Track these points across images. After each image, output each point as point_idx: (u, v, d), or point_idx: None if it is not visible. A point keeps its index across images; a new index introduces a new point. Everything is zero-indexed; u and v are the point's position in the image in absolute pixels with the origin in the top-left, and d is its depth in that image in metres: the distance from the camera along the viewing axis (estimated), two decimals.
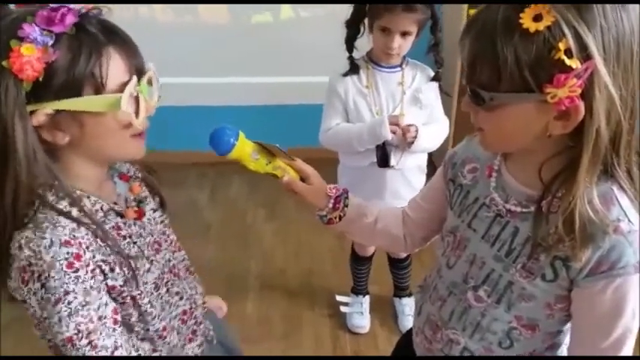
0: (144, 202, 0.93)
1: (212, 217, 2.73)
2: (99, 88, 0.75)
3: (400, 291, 2.05)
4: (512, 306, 0.80)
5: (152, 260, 0.90)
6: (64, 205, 0.77)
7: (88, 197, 0.82)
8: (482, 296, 0.83)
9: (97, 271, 0.77)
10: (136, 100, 0.79)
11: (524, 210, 0.77)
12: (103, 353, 0.78)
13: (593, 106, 0.65)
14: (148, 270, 0.88)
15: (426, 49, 1.61)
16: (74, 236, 0.75)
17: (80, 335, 0.76)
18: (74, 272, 0.74)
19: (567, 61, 0.63)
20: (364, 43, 1.62)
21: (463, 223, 0.86)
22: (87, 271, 0.76)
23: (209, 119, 3.42)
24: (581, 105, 0.65)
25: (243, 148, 0.94)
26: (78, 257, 0.75)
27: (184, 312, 0.97)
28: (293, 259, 2.37)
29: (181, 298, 0.97)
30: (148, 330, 0.88)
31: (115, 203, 0.87)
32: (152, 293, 0.88)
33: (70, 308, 0.74)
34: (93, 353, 0.77)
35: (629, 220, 0.71)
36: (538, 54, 0.64)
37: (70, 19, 0.73)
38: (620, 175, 0.72)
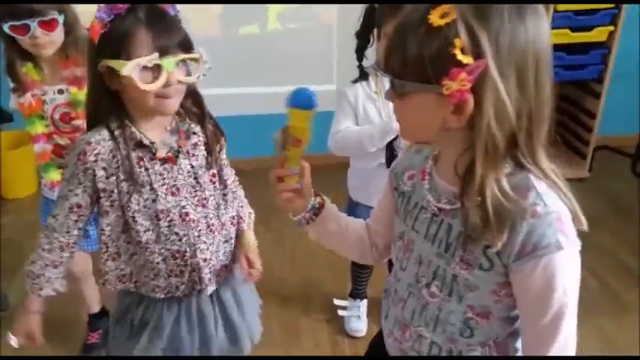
0: (181, 154, 1.13)
1: None
2: (128, 56, 1.00)
3: None
4: (463, 297, 0.85)
5: (159, 196, 1.10)
6: (113, 124, 1.08)
7: (131, 129, 1.08)
8: (435, 292, 0.88)
9: (89, 171, 1.07)
10: (155, 70, 1.02)
11: (452, 207, 0.83)
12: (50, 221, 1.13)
13: (482, 102, 0.71)
14: (153, 200, 1.10)
15: None
16: (98, 142, 1.07)
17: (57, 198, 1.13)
18: (77, 159, 1.08)
19: (460, 57, 0.68)
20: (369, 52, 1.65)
21: (407, 226, 0.92)
22: (81, 164, 1.08)
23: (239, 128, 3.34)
24: (471, 99, 0.71)
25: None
26: (84, 154, 1.07)
27: (178, 251, 1.14)
28: (289, 266, 2.38)
29: (180, 240, 1.14)
30: (137, 241, 1.12)
31: (153, 143, 1.10)
32: (152, 219, 1.11)
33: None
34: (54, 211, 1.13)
35: (544, 204, 0.75)
36: (439, 48, 0.70)
37: (124, 6, 1.01)
38: (530, 168, 0.77)
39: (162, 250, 1.14)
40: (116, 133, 1.08)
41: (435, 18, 0.70)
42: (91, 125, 1.11)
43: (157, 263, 1.14)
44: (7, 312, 2.19)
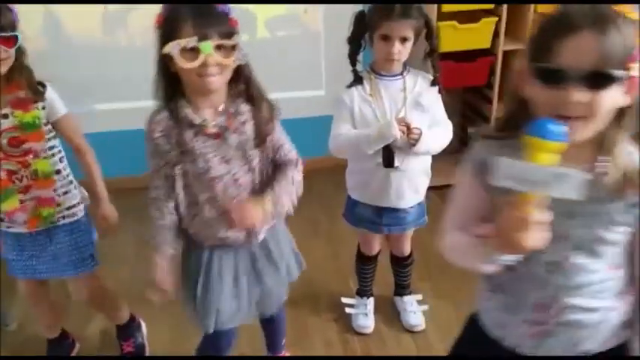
0: (229, 131, 1.31)
1: None
2: (172, 39, 1.19)
3: (401, 289, 2.12)
4: (604, 255, 0.95)
5: (211, 165, 1.32)
6: (172, 106, 1.28)
7: (185, 110, 1.28)
8: (579, 259, 0.96)
9: (160, 145, 1.31)
10: (194, 51, 1.18)
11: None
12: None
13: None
14: (207, 169, 1.32)
15: (423, 55, 1.72)
16: (159, 121, 1.30)
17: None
18: (148, 138, 1.32)
19: None
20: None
21: None
22: (152, 141, 1.32)
23: None
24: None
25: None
26: (152, 132, 1.31)
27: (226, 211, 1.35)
28: None
29: (233, 199, 1.35)
30: (196, 201, 1.36)
31: (204, 121, 1.29)
32: (208, 184, 1.33)
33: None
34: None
35: None
36: (632, 38, 0.83)
37: None
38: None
39: (220, 209, 1.35)
40: (173, 113, 1.28)
41: (630, 12, 0.84)
42: (160, 102, 1.31)
43: (215, 220, 1.37)
44: (10, 327, 2.17)
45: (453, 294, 2.18)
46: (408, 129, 1.63)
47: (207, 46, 1.18)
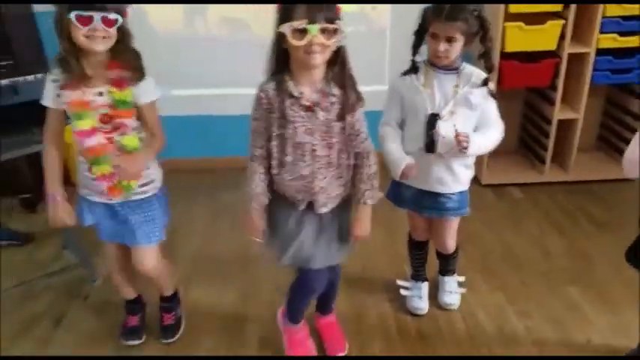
0: (319, 107, 1.53)
1: None
2: (288, 20, 1.41)
3: (444, 270, 2.20)
4: None
5: (298, 132, 1.54)
6: (279, 77, 1.52)
7: (288, 83, 1.51)
8: None
9: (266, 109, 1.55)
10: (304, 32, 1.40)
11: None
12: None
13: None
14: (294, 135, 1.55)
15: (477, 55, 1.78)
16: (267, 90, 1.53)
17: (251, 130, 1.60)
18: (258, 103, 1.56)
19: None
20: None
21: None
22: (260, 106, 1.56)
23: None
24: None
25: None
26: (261, 98, 1.55)
27: (302, 175, 1.60)
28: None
29: (307, 167, 1.58)
30: (283, 161, 1.59)
31: (301, 94, 1.52)
32: (292, 148, 1.57)
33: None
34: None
35: None
36: None
37: None
38: None
39: (294, 172, 1.60)
40: (278, 84, 1.53)
41: None
42: (269, 73, 1.55)
43: (290, 180, 1.62)
44: (97, 282, 2.42)
45: (504, 285, 2.30)
46: (457, 137, 1.72)
47: (314, 28, 1.40)
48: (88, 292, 2.36)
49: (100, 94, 1.63)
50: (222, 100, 3.29)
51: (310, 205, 1.66)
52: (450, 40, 1.69)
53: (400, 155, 1.81)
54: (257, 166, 1.64)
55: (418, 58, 1.83)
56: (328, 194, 1.64)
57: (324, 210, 1.66)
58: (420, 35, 1.79)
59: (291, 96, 1.52)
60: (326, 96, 1.54)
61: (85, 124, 1.64)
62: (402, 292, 2.22)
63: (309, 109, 1.54)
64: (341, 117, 1.56)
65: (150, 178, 1.80)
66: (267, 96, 1.54)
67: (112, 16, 1.54)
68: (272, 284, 2.30)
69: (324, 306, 2.04)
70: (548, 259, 2.52)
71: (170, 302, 2.12)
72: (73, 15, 1.50)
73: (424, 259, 2.21)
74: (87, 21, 1.51)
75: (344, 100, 1.55)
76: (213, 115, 3.34)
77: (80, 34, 1.53)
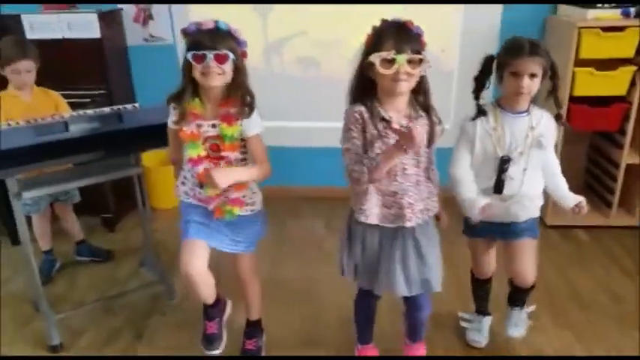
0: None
1: (332, 245, 3.04)
2: (377, 51, 1.56)
3: (516, 303, 2.15)
4: None
5: (381, 148, 1.62)
6: (367, 102, 1.64)
7: (378, 107, 1.63)
8: None
9: (358, 127, 1.63)
10: (392, 62, 1.54)
11: None
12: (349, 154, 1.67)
13: None
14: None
15: (547, 92, 1.83)
16: (359, 111, 1.63)
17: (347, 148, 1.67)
18: (352, 121, 1.65)
19: None
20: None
21: None
22: (354, 123, 1.64)
23: (328, 159, 3.85)
24: None
25: None
26: (354, 115, 1.64)
27: (393, 192, 1.69)
28: None
29: (396, 184, 1.68)
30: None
31: (390, 117, 1.62)
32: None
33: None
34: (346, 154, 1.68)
35: None
36: None
37: (385, 23, 1.62)
38: None
39: (384, 188, 1.70)
40: (368, 107, 1.64)
41: None
42: (353, 100, 1.68)
43: (379, 197, 1.71)
44: (175, 300, 2.55)
45: (571, 323, 2.29)
46: (577, 206, 1.87)
47: (402, 58, 1.54)
48: (166, 309, 2.49)
49: (213, 125, 1.78)
50: (291, 132, 3.45)
51: (396, 229, 1.73)
52: (532, 76, 1.76)
53: (476, 196, 1.85)
54: (358, 163, 1.67)
55: (481, 102, 1.89)
56: (414, 209, 1.73)
57: (408, 224, 1.73)
58: (483, 81, 1.87)
59: (382, 118, 1.63)
60: (412, 120, 1.66)
61: (194, 153, 1.80)
62: (463, 323, 2.25)
63: (399, 131, 1.64)
64: (429, 141, 1.68)
65: (251, 200, 1.93)
66: (361, 117, 1.64)
67: (224, 52, 1.67)
68: (338, 309, 2.37)
69: (414, 333, 2.06)
70: (616, 302, 2.49)
71: (254, 328, 2.20)
72: (189, 54, 1.68)
73: (487, 294, 2.24)
74: (201, 59, 1.67)
75: (430, 125, 1.67)
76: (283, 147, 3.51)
77: (197, 71, 1.69)
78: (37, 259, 2.81)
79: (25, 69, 2.37)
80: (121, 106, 2.30)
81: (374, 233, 1.77)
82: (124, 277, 2.77)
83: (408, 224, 1.72)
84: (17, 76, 2.37)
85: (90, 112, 2.25)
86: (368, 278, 1.83)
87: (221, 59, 1.68)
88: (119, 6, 3.24)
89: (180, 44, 3.23)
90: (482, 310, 2.25)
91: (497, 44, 3.23)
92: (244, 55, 1.77)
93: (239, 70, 1.75)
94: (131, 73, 3.41)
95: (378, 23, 1.62)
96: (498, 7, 3.16)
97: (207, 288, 1.97)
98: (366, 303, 2.00)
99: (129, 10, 3.26)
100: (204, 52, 1.66)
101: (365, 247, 1.79)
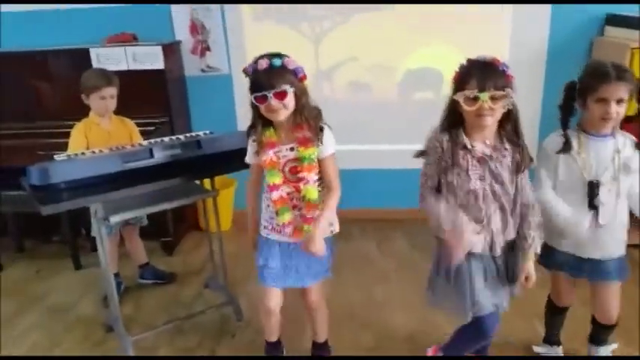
0: (491, 160, 1.71)
1: (386, 265, 3.10)
2: (461, 90, 1.65)
3: (599, 340, 2.12)
4: None
5: (471, 179, 1.70)
6: (453, 132, 1.70)
7: (462, 137, 1.69)
8: None
9: (438, 155, 1.71)
10: (476, 99, 1.60)
11: None
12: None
13: None
14: (467, 182, 1.71)
15: (636, 114, 1.86)
16: (442, 140, 1.70)
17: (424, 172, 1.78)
18: (433, 149, 1.72)
19: None
20: None
21: None
22: (434, 151, 1.71)
23: (378, 181, 3.91)
24: None
25: None
26: (435, 144, 1.71)
27: (478, 218, 1.74)
28: None
29: (480, 211, 1.73)
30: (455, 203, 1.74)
31: (473, 147, 1.69)
32: (465, 194, 1.72)
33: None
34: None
35: None
36: None
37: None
38: None
39: (469, 215, 1.73)
40: (453, 136, 1.71)
41: None
42: (442, 129, 1.74)
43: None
44: (242, 321, 2.61)
45: None
46: None
47: (484, 96, 1.60)
48: (235, 330, 2.54)
49: (291, 149, 1.86)
50: (340, 155, 3.52)
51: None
52: (619, 101, 1.75)
53: (577, 217, 1.85)
54: (437, 197, 1.75)
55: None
56: (501, 237, 1.77)
57: (498, 252, 1.78)
58: (569, 107, 1.88)
59: (465, 147, 1.70)
60: (498, 150, 1.72)
61: (273, 179, 1.87)
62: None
63: (481, 160, 1.71)
64: (515, 172, 1.73)
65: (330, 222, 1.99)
66: (441, 145, 1.71)
67: (282, 89, 1.74)
68: (404, 328, 2.40)
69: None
70: None
71: (322, 349, 2.26)
72: (252, 97, 1.77)
73: (562, 323, 2.21)
74: (263, 100, 1.76)
75: (515, 155, 1.72)
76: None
77: (262, 110, 1.78)
78: (96, 283, 2.92)
79: (110, 94, 2.51)
80: (200, 133, 2.41)
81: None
82: (189, 298, 2.84)
83: (498, 253, 1.78)
84: (102, 102, 2.50)
85: (166, 139, 2.36)
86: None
87: (281, 96, 1.75)
88: (178, 38, 3.39)
89: (237, 75, 3.42)
90: (555, 340, 2.23)
91: (544, 67, 3.31)
92: (304, 78, 1.82)
93: (300, 96, 1.81)
94: (188, 103, 3.54)
95: (464, 61, 1.68)
96: (545, 30, 3.23)
97: (277, 325, 2.17)
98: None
99: (187, 42, 3.41)
100: (264, 92, 1.74)
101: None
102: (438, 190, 1.78)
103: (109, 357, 2.33)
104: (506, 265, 1.84)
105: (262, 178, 1.95)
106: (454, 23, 3.20)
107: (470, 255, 1.75)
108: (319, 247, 1.83)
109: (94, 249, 3.30)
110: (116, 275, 2.87)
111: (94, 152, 2.20)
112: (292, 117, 1.83)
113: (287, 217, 1.90)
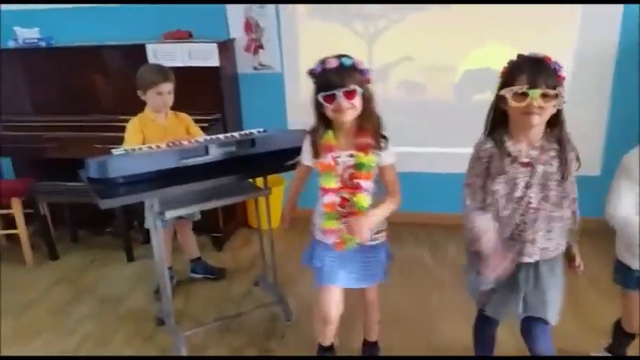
0: (538, 163, 1.61)
1: (439, 273, 3.01)
2: (510, 86, 1.55)
3: None
4: None
5: (517, 186, 1.62)
6: (497, 137, 1.62)
7: (506, 143, 1.61)
8: None
9: (483, 163, 1.64)
10: (524, 96, 1.50)
11: None
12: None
13: None
14: (512, 189, 1.62)
15: None
16: (486, 148, 1.63)
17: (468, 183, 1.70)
18: (477, 156, 1.66)
19: None
20: None
21: None
22: (478, 158, 1.65)
23: (430, 184, 3.81)
24: None
25: None
26: (479, 152, 1.65)
27: (518, 224, 1.65)
28: None
29: (522, 217, 1.65)
30: (498, 216, 1.65)
31: (519, 151, 1.60)
32: (510, 201, 1.64)
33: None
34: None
35: None
36: None
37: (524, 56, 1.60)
38: None
39: (510, 222, 1.66)
40: (497, 143, 1.63)
41: None
42: (487, 130, 1.67)
43: (504, 230, 1.66)
44: (291, 321, 2.59)
45: None
46: None
47: (535, 93, 1.51)
48: (284, 330, 2.53)
49: (351, 155, 1.82)
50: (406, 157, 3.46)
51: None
52: None
53: None
54: (480, 212, 1.68)
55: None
56: (538, 246, 1.68)
57: (527, 259, 1.68)
58: None
59: (510, 154, 1.62)
60: (545, 151, 1.62)
61: (327, 183, 1.84)
62: None
63: (528, 165, 1.62)
64: (561, 176, 1.63)
65: (382, 228, 1.96)
66: (486, 155, 1.64)
67: (352, 88, 1.71)
68: (458, 335, 2.32)
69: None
70: None
71: (373, 347, 2.24)
72: (320, 96, 1.74)
73: (628, 345, 2.11)
74: (331, 98, 1.72)
75: (562, 157, 1.62)
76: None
77: (329, 109, 1.75)
78: (147, 276, 2.97)
79: (167, 90, 2.52)
80: (254, 130, 2.40)
81: None
82: (238, 295, 2.85)
83: (526, 260, 1.68)
84: (160, 98, 2.52)
85: (221, 136, 2.36)
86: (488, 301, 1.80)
87: (350, 95, 1.72)
88: (232, 36, 3.40)
89: (289, 74, 3.40)
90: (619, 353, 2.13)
91: (612, 70, 3.14)
92: (368, 82, 1.79)
93: (368, 100, 1.78)
94: (240, 100, 3.55)
95: (514, 57, 1.60)
96: (615, 31, 3.06)
97: (333, 330, 2.12)
98: (484, 327, 1.96)
99: (240, 40, 3.42)
100: (334, 91, 1.71)
101: None
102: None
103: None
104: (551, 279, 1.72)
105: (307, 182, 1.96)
106: (514, 23, 3.08)
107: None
108: (364, 234, 1.79)
109: (146, 241, 3.41)
110: (169, 269, 2.89)
111: (150, 148, 2.22)
112: (355, 121, 1.80)
113: (332, 224, 1.87)
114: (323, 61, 1.75)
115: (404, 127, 3.29)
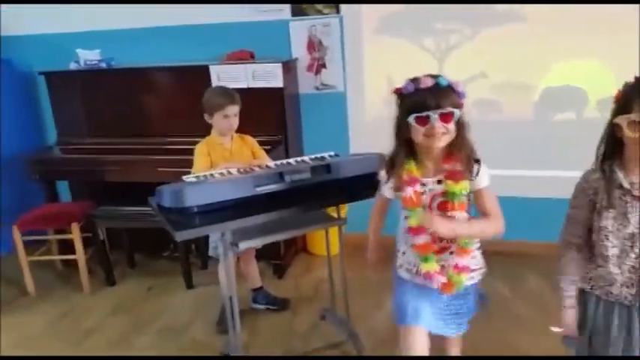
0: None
1: (520, 310, 2.76)
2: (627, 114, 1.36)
3: None
4: None
5: (630, 223, 1.42)
6: (606, 167, 1.44)
7: (616, 174, 1.43)
8: None
9: (588, 196, 1.48)
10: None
11: None
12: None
13: None
14: (624, 225, 1.43)
15: None
16: (593, 179, 1.47)
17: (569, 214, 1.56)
18: (582, 188, 1.50)
19: None
20: None
21: None
22: (583, 191, 1.49)
23: (510, 210, 3.49)
24: None
25: None
26: (584, 189, 1.49)
27: (633, 267, 1.45)
28: None
29: (637, 258, 1.44)
30: (604, 255, 1.48)
31: (632, 184, 1.41)
32: (620, 239, 1.45)
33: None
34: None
35: None
36: None
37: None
38: None
39: (622, 265, 1.46)
40: (606, 173, 1.45)
41: None
42: (599, 158, 1.48)
43: (617, 274, 1.47)
44: None
45: None
46: None
47: None
48: None
49: (439, 182, 1.64)
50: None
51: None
52: None
53: None
54: (574, 253, 1.56)
55: None
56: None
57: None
58: None
59: (621, 187, 1.43)
60: None
61: (415, 222, 1.64)
62: None
63: (635, 197, 1.43)
64: None
65: (477, 266, 1.75)
66: (592, 186, 1.47)
67: (449, 110, 1.54)
68: None
69: None
70: None
71: None
72: (412, 118, 1.55)
73: None
74: (425, 121, 1.54)
75: None
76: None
77: (419, 133, 1.56)
78: (208, 304, 2.84)
79: (234, 113, 2.44)
80: (325, 154, 2.26)
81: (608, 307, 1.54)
82: (304, 329, 2.68)
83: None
84: (226, 121, 2.44)
85: (292, 161, 2.23)
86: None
87: (446, 118, 1.54)
88: (294, 55, 3.29)
89: (352, 93, 3.26)
90: None
91: None
92: (461, 106, 1.59)
93: (462, 125, 1.59)
94: (301, 121, 3.43)
95: (629, 81, 1.41)
96: None
97: None
98: None
99: (302, 59, 3.30)
100: (428, 112, 1.52)
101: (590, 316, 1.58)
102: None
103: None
104: None
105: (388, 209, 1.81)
106: (597, 34, 2.84)
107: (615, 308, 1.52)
108: (445, 230, 1.58)
109: (205, 266, 3.31)
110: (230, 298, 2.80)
111: (222, 174, 2.10)
112: (445, 148, 1.61)
113: (433, 266, 1.67)
114: (414, 80, 1.57)
115: (481, 148, 3.09)
